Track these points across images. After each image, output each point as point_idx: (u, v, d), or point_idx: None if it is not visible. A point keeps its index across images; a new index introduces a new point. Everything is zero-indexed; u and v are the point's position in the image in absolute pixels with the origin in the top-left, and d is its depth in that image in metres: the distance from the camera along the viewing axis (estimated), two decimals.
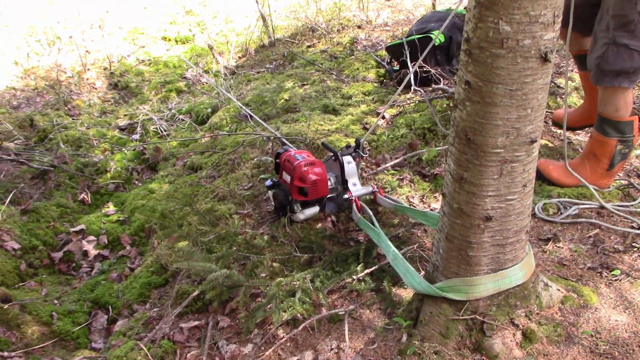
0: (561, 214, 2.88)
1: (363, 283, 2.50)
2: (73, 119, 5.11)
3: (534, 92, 1.75)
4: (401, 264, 2.30)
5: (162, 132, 4.87)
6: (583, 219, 2.81)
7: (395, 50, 4.82)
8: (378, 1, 7.50)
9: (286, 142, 3.59)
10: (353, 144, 3.20)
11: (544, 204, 2.96)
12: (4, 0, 7.72)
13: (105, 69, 6.40)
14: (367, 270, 2.54)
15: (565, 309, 2.17)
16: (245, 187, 3.43)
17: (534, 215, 2.88)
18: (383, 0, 7.57)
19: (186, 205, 3.25)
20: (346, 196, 2.96)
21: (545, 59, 1.70)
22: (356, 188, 3.01)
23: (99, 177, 4.21)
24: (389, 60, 5.26)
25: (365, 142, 3.29)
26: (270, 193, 3.05)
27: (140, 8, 8.50)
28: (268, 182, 3.02)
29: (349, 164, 3.02)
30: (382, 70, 5.29)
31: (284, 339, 2.28)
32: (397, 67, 4.94)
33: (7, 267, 3.07)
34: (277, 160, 3.05)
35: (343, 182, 3.02)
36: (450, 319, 2.07)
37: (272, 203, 3.07)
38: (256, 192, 3.36)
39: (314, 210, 2.98)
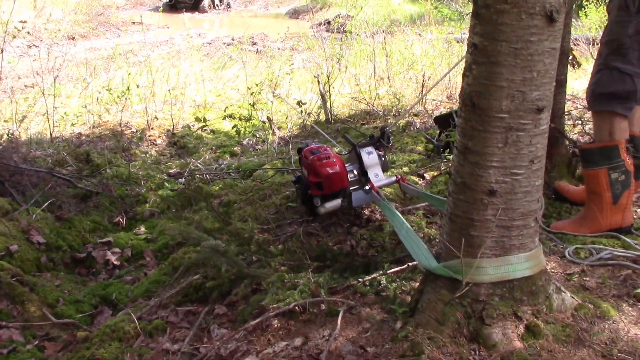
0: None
1: (369, 287, 2.39)
2: (127, 162, 5.33)
3: (540, 54, 1.74)
4: (412, 238, 2.20)
5: (208, 179, 4.99)
6: (615, 262, 2.62)
7: (443, 122, 4.87)
8: (436, 95, 7.69)
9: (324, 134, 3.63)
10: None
11: (576, 248, 2.79)
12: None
13: (168, 130, 6.73)
14: (374, 275, 2.43)
15: (578, 315, 1.99)
16: (272, 213, 3.42)
17: (563, 257, 2.72)
18: (444, 98, 7.75)
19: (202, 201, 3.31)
20: (367, 187, 2.92)
21: (550, 19, 1.70)
22: (378, 178, 2.96)
23: (138, 206, 4.30)
24: (437, 137, 5.30)
25: (390, 132, 3.26)
26: (296, 187, 3.11)
27: (214, 96, 9.04)
28: (293, 178, 3.06)
29: (370, 155, 3.00)
30: (431, 146, 5.32)
31: (276, 327, 2.18)
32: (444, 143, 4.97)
33: (27, 256, 3.11)
34: (299, 155, 3.09)
35: (363, 173, 2.98)
36: (448, 305, 1.93)
37: (299, 198, 3.15)
38: (281, 217, 3.34)
39: (336, 202, 2.93)
